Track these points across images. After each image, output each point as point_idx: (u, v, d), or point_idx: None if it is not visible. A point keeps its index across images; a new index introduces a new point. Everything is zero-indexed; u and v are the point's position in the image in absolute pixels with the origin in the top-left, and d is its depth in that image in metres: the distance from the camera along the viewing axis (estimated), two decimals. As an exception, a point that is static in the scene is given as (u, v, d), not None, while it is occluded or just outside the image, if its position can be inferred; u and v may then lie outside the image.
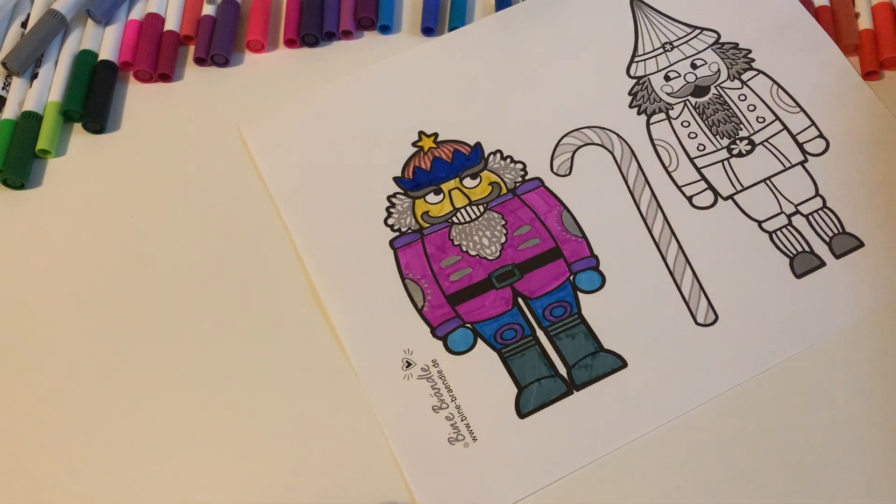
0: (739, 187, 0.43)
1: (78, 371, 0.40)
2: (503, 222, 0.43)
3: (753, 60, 0.47)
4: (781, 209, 0.43)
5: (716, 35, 0.48)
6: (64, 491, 0.38)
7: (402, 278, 0.42)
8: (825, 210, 0.43)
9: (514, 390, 0.39)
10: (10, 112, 0.46)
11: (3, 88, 0.47)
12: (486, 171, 0.44)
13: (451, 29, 0.49)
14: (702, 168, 0.44)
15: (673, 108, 0.46)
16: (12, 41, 0.49)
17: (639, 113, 0.46)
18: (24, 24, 0.49)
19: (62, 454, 0.38)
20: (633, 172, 0.44)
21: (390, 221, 0.43)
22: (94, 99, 0.47)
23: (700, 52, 0.47)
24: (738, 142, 0.44)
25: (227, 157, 0.46)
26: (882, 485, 0.36)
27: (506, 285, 0.41)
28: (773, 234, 0.42)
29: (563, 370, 0.39)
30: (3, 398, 0.40)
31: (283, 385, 0.40)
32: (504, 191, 0.44)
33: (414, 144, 0.45)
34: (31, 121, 0.46)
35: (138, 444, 0.38)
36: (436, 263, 0.42)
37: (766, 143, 0.44)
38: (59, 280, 0.43)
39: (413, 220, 0.43)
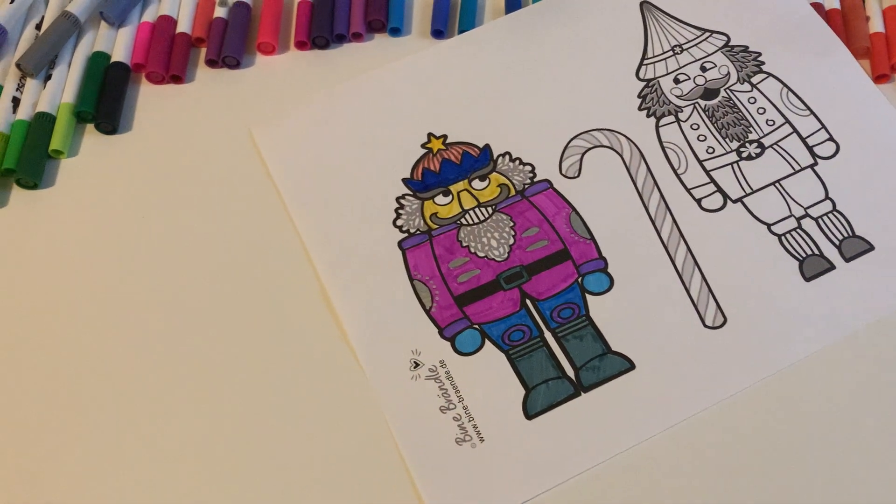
0: (749, 190, 0.43)
1: (89, 368, 0.41)
2: (511, 224, 0.43)
3: (763, 63, 0.47)
4: (791, 212, 0.43)
5: (726, 38, 0.48)
6: (73, 488, 0.38)
7: (411, 279, 0.42)
8: (835, 213, 0.42)
9: (522, 391, 0.39)
10: (23, 113, 0.47)
11: (17, 89, 0.48)
12: (494, 173, 0.44)
13: (461, 31, 0.49)
14: (711, 171, 0.44)
15: (682, 111, 0.46)
16: (27, 43, 0.49)
17: (648, 115, 0.46)
18: (38, 26, 0.50)
19: (73, 449, 0.39)
20: (642, 175, 0.44)
21: (399, 223, 0.43)
22: (106, 100, 0.47)
23: (710, 54, 0.47)
24: (747, 144, 0.44)
25: (237, 157, 0.46)
26: (892, 490, 0.36)
27: (514, 287, 0.41)
28: (783, 237, 0.42)
29: (570, 372, 0.39)
30: (17, 395, 0.40)
31: (292, 384, 0.40)
32: (513, 192, 0.44)
33: (423, 146, 0.46)
34: (44, 121, 0.47)
35: (147, 439, 0.39)
36: (444, 264, 0.42)
37: (775, 146, 0.44)
38: (71, 278, 0.43)
39: (422, 221, 0.43)
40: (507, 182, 0.44)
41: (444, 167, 0.45)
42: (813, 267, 0.41)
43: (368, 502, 0.37)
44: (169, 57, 0.49)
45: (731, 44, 0.47)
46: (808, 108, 0.45)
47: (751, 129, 0.45)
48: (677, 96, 0.46)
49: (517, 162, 0.45)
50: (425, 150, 0.45)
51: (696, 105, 0.46)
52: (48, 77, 0.48)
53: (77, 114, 0.47)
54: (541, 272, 0.42)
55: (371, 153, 0.46)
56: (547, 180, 0.44)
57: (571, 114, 0.46)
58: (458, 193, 0.44)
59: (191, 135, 0.47)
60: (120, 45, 0.49)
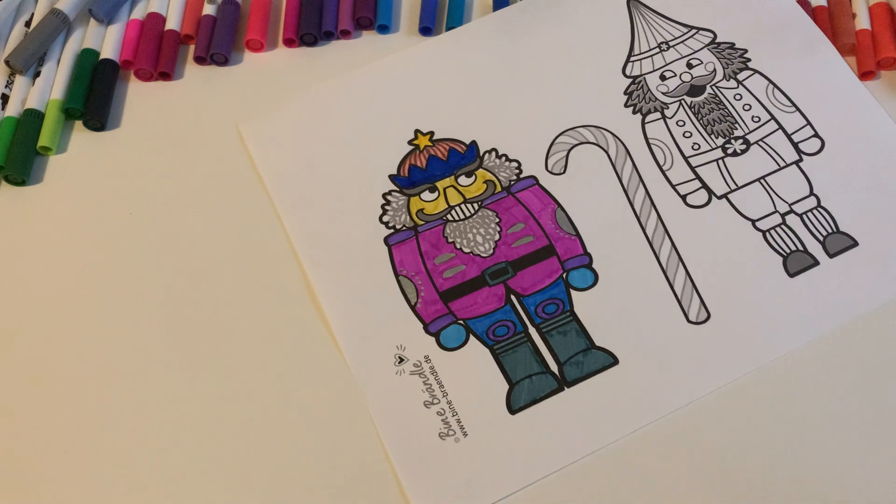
0: (734, 186, 0.43)
1: (76, 365, 0.41)
2: (497, 220, 0.43)
3: (749, 60, 0.47)
4: (775, 208, 0.43)
5: (712, 35, 0.48)
6: (61, 488, 0.38)
7: (396, 275, 0.42)
8: (819, 209, 0.43)
9: (506, 386, 0.39)
10: (12, 110, 0.47)
11: (6, 86, 0.48)
12: (481, 170, 0.45)
13: (449, 28, 0.49)
14: (696, 167, 0.44)
15: (668, 108, 0.46)
16: (16, 40, 0.49)
17: (634, 112, 0.46)
18: (27, 24, 0.50)
19: (58, 449, 0.39)
20: (628, 171, 0.44)
21: (385, 219, 0.43)
22: (95, 97, 0.47)
23: (696, 51, 0.47)
24: (732, 141, 0.44)
25: (225, 154, 0.46)
26: (874, 483, 0.36)
27: (499, 282, 0.41)
28: (767, 233, 0.42)
29: (554, 367, 0.39)
30: (3, 394, 0.40)
31: (277, 379, 0.40)
32: (499, 189, 0.44)
33: (410, 143, 0.46)
34: (32, 118, 0.47)
35: (132, 437, 0.39)
36: (430, 260, 0.42)
37: (760, 143, 0.44)
38: (59, 275, 0.43)
39: (408, 217, 0.43)
40: (494, 178, 0.44)
41: (431, 163, 0.45)
42: (797, 263, 0.41)
43: (352, 496, 0.37)
44: (157, 54, 0.49)
45: (717, 41, 0.48)
46: (794, 105, 0.45)
47: (736, 125, 0.45)
48: (663, 93, 0.46)
49: (503, 158, 0.45)
50: (412, 147, 0.46)
51: (682, 102, 0.46)
52: (37, 74, 0.48)
53: (66, 110, 0.47)
54: (526, 268, 0.42)
55: (358, 149, 0.46)
56: (533, 177, 0.44)
57: (558, 110, 0.46)
58: (445, 190, 0.44)
59: (179, 131, 0.47)
60: (109, 42, 0.49)
